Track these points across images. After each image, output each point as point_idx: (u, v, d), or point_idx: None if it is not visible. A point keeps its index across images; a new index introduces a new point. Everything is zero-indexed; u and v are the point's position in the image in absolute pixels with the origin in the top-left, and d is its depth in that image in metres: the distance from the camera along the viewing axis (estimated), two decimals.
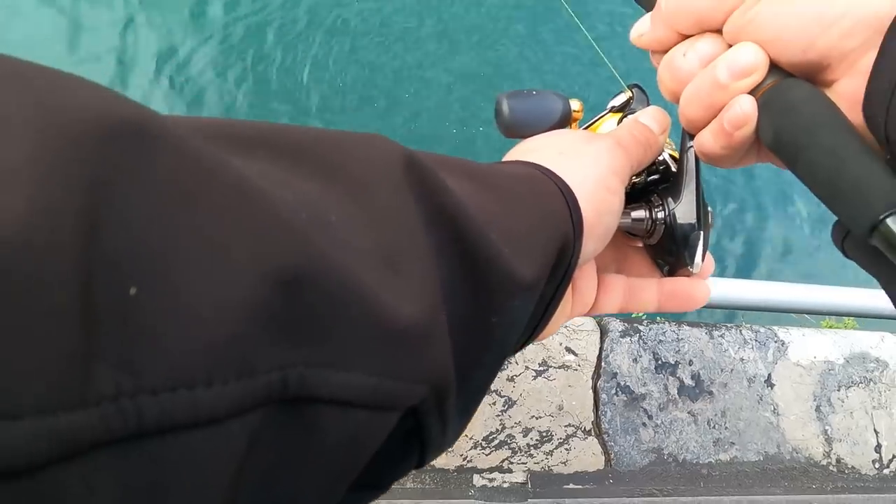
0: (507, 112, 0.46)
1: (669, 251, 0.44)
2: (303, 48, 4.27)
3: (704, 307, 1.56)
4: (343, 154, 0.26)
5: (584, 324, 1.44)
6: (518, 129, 0.46)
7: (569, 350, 1.42)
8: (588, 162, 0.40)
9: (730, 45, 0.37)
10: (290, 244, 0.20)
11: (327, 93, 4.22)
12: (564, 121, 0.47)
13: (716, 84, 0.36)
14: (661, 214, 0.44)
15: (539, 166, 0.39)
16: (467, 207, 0.29)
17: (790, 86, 0.35)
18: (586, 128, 0.50)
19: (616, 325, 1.47)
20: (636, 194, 0.46)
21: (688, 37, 0.39)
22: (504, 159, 0.43)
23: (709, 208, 0.43)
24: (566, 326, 1.42)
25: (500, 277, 0.30)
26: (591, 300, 0.45)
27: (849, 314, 1.84)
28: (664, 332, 1.50)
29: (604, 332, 1.46)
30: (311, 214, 0.22)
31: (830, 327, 2.29)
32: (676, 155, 0.45)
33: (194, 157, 0.19)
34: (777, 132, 0.34)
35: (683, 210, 0.43)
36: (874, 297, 1.56)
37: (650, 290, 0.46)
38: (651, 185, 0.46)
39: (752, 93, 0.36)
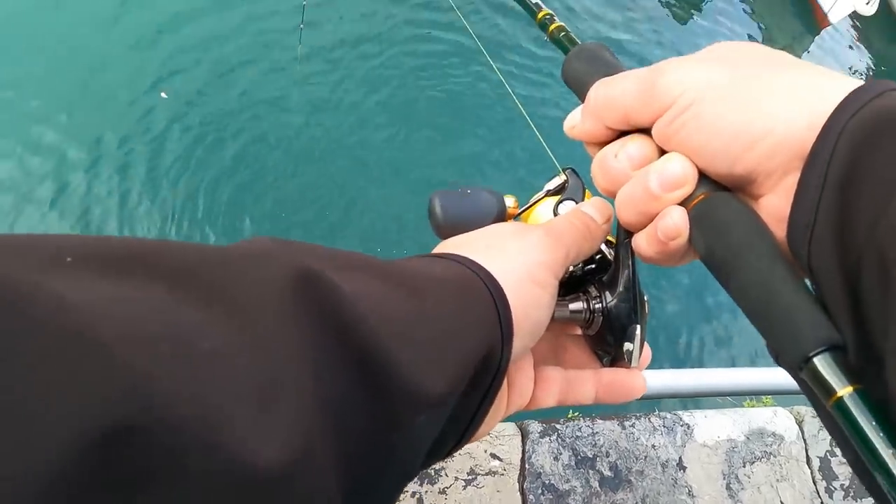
0: (439, 213, 0.45)
1: (609, 343, 0.44)
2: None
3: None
4: (227, 276, 0.25)
5: (506, 429, 1.53)
6: (452, 231, 0.45)
7: (494, 456, 1.50)
8: (515, 255, 0.40)
9: (661, 149, 0.37)
10: (120, 392, 0.19)
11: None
12: (499, 219, 0.47)
13: (648, 193, 0.36)
14: (598, 306, 0.44)
15: (467, 260, 0.38)
16: (370, 320, 0.28)
17: (720, 202, 0.35)
18: (524, 211, 0.50)
19: (535, 427, 1.57)
20: (574, 284, 0.46)
21: (619, 131, 0.39)
22: (434, 251, 0.42)
23: (645, 298, 0.43)
24: (489, 434, 1.50)
25: (404, 393, 0.29)
26: (528, 395, 0.44)
27: (766, 393, 2.01)
28: (580, 428, 1.61)
29: (524, 435, 1.55)
30: (176, 346, 0.21)
31: (752, 406, 2.46)
32: (613, 245, 0.45)
33: (23, 301, 0.18)
34: (708, 249, 0.35)
35: (620, 302, 0.43)
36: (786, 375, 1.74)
37: (588, 382, 0.45)
38: (588, 274, 0.46)
39: (684, 203, 0.36)
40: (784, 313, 0.30)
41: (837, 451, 1.90)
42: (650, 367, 1.58)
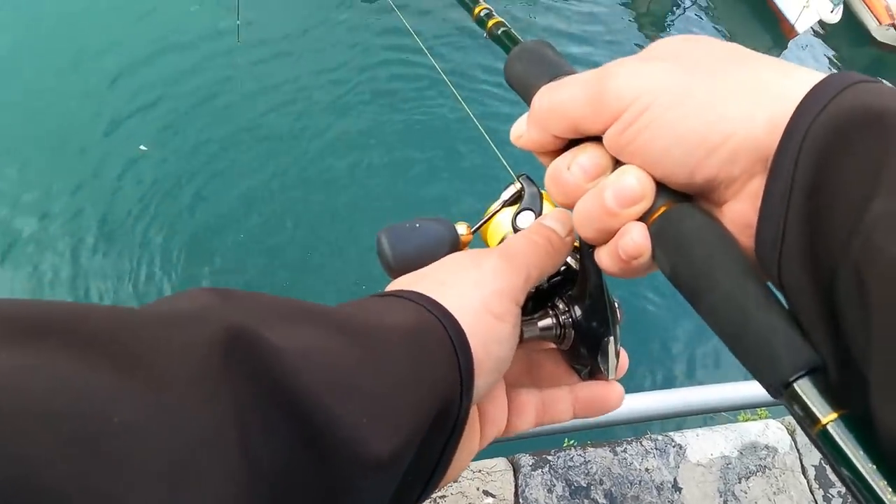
0: (388, 251, 0.42)
1: (583, 356, 0.42)
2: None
3: (617, 425, 1.65)
4: (146, 341, 0.24)
5: (497, 464, 1.51)
6: (404, 269, 0.42)
7: (486, 493, 1.47)
8: (470, 288, 0.38)
9: (614, 158, 0.35)
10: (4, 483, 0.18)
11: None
12: (453, 249, 0.44)
13: (605, 210, 0.34)
14: (569, 320, 0.42)
15: (422, 297, 0.36)
16: (305, 375, 0.27)
17: (681, 215, 0.33)
18: (480, 225, 0.48)
19: (527, 460, 1.55)
20: (541, 299, 0.44)
21: (569, 140, 0.37)
22: (388, 288, 0.40)
23: (616, 304, 0.41)
24: (479, 470, 1.49)
25: (348, 457, 0.28)
26: (502, 424, 0.42)
27: (759, 405, 2.01)
28: (572, 458, 1.59)
29: (516, 469, 1.53)
30: (82, 424, 0.20)
31: (747, 420, 2.46)
32: (577, 254, 0.43)
33: None
34: (673, 268, 0.33)
35: (590, 314, 0.41)
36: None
37: (564, 400, 0.43)
38: (554, 287, 0.44)
39: (644, 217, 0.34)
40: (758, 337, 0.29)
41: None
42: (638, 390, 1.56)
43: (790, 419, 1.95)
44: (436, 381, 0.33)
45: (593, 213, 0.35)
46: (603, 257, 0.36)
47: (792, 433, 1.90)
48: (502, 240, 0.46)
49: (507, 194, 0.47)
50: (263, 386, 0.26)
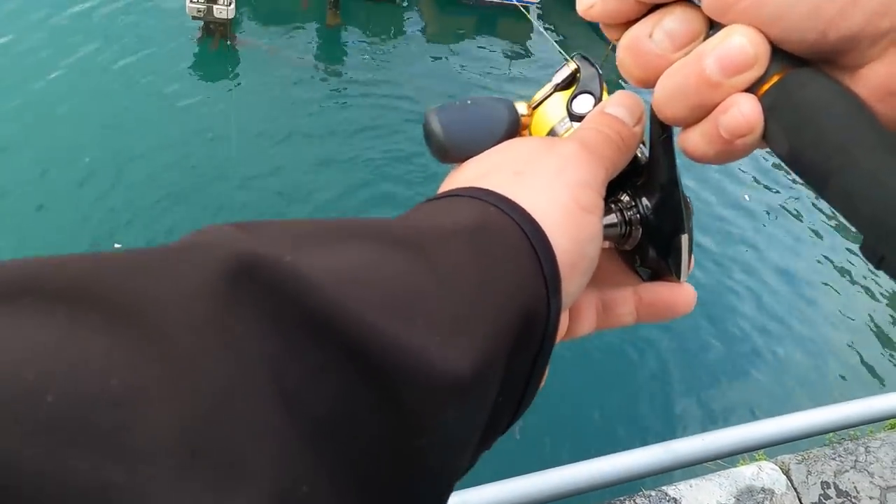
0: (439, 131, 0.37)
1: (649, 257, 0.38)
2: None
3: (610, 486, 1.62)
4: (136, 287, 0.19)
5: None
6: (457, 152, 0.37)
7: None
8: (553, 179, 0.32)
9: (710, 20, 0.30)
10: None
11: None
12: (513, 131, 0.39)
13: (703, 81, 0.29)
14: (636, 216, 0.37)
15: (492, 196, 0.31)
16: (356, 304, 0.22)
17: (803, 81, 0.28)
18: (537, 106, 0.42)
19: None
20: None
21: (652, 4, 0.31)
22: (447, 187, 0.34)
23: (689, 200, 0.36)
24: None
25: (420, 386, 0.23)
26: (563, 328, 0.37)
27: (755, 448, 1.99)
28: None
29: None
30: (62, 397, 0.16)
31: (746, 465, 2.42)
32: (646, 141, 0.38)
33: None
34: (793, 146, 0.28)
35: (661, 209, 0.36)
36: (768, 426, 1.72)
37: (626, 302, 0.38)
38: (618, 180, 0.38)
39: (752, 89, 0.29)
40: None
41: (831, 492, 1.87)
42: (628, 447, 1.55)
43: (783, 458, 1.93)
44: (514, 286, 0.28)
45: (687, 86, 0.29)
46: (693, 139, 0.31)
47: (787, 472, 1.88)
48: (552, 129, 0.40)
49: (559, 77, 0.40)
50: (291, 318, 0.21)
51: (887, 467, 1.92)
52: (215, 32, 7.44)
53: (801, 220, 7.53)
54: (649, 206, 0.37)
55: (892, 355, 6.24)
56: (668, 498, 1.71)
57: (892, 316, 6.66)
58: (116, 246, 4.31)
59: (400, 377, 0.22)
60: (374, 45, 8.56)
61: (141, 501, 0.16)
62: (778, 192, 7.76)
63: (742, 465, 2.25)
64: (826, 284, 6.84)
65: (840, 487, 1.84)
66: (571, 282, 0.31)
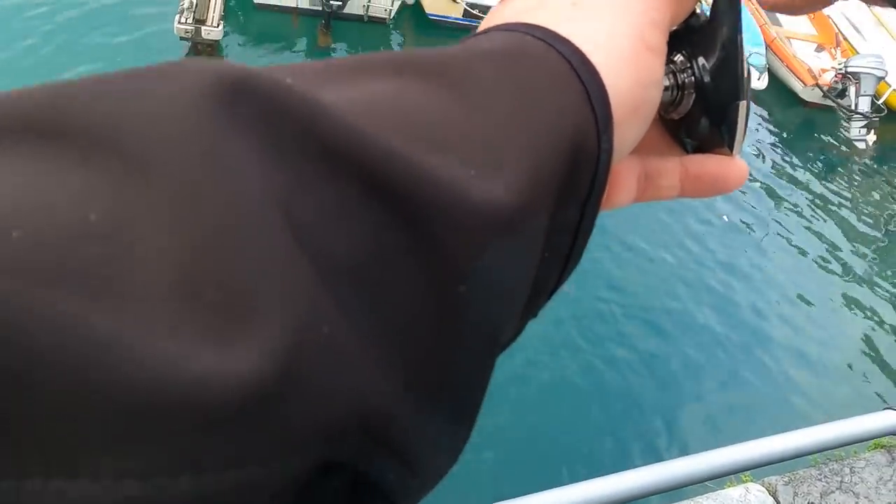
0: None
1: (699, 126, 0.35)
2: None
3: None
4: (110, 109, 0.16)
5: None
6: None
7: None
8: (616, 11, 0.29)
9: None
10: None
11: None
12: None
13: None
14: (690, 79, 0.34)
15: (539, 30, 0.27)
16: (377, 134, 0.19)
17: None
18: None
19: None
20: None
21: None
22: (490, 24, 0.30)
23: (748, 65, 0.34)
24: None
25: (456, 225, 0.20)
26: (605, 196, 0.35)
27: (742, 470, 1.99)
28: None
29: None
30: (33, 229, 0.14)
31: (733, 486, 2.42)
32: None
33: None
34: None
35: (720, 73, 0.34)
36: (759, 447, 1.72)
37: (672, 173, 0.35)
38: (673, 38, 0.35)
39: None
40: None
41: None
42: (614, 470, 1.53)
43: (769, 479, 1.94)
44: (558, 117, 0.25)
45: None
46: None
47: (773, 493, 1.88)
48: None
49: None
50: (305, 141, 0.18)
51: (872, 487, 1.93)
52: (202, 53, 7.46)
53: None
54: (706, 68, 0.34)
55: (870, 375, 6.29)
56: None
57: (869, 337, 6.73)
58: None
59: (434, 213, 0.20)
60: None
61: (131, 350, 0.14)
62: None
63: (729, 486, 2.25)
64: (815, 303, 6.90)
65: None
66: (630, 127, 0.28)
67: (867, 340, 6.64)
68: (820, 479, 1.94)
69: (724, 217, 7.47)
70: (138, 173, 0.15)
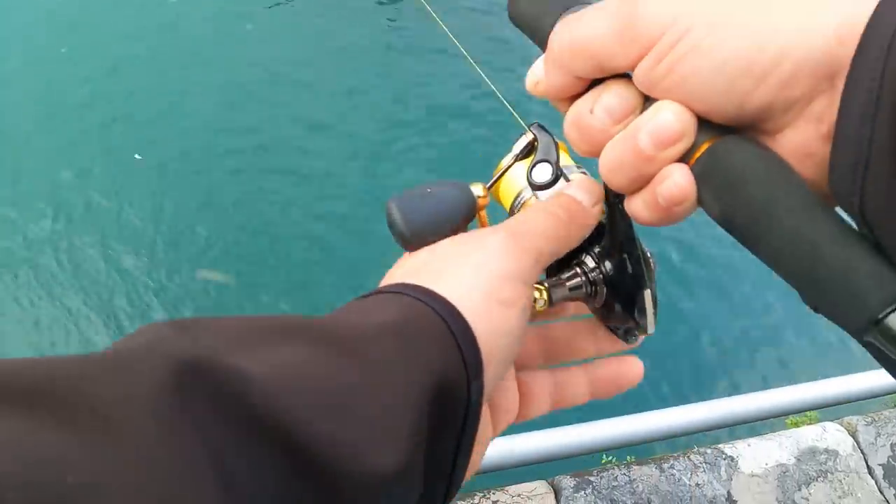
0: (401, 222, 0.39)
1: (618, 313, 0.40)
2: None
3: (661, 440, 1.61)
4: (88, 390, 0.21)
5: (536, 487, 1.49)
6: (420, 240, 0.39)
7: None
8: (472, 274, 0.34)
9: (644, 95, 0.31)
10: None
11: None
12: (470, 213, 0.41)
13: (639, 155, 0.30)
14: (599, 276, 0.40)
15: (418, 290, 0.33)
16: (288, 403, 0.25)
17: (729, 149, 0.29)
18: (492, 184, 0.44)
19: (568, 482, 1.53)
20: (566, 257, 0.41)
21: (592, 81, 0.33)
22: (384, 282, 0.37)
23: (649, 254, 0.38)
24: (518, 494, 1.47)
25: (353, 480, 0.25)
26: (514, 411, 0.39)
27: (810, 408, 1.93)
28: (616, 478, 1.56)
29: (557, 492, 1.51)
30: (28, 491, 0.18)
31: (796, 425, 2.35)
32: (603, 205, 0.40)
33: None
34: (724, 211, 0.29)
35: (622, 268, 0.38)
36: (828, 386, 1.66)
37: (579, 381, 0.40)
38: (585, 245, 0.41)
39: (684, 158, 0.30)
40: (836, 274, 0.26)
41: None
42: (680, 403, 1.51)
43: (849, 419, 1.86)
44: (431, 368, 0.29)
45: (625, 159, 0.31)
46: (637, 206, 0.32)
47: (853, 434, 1.81)
48: (517, 197, 0.43)
49: (518, 147, 0.43)
50: (234, 416, 0.23)
51: None
52: None
53: None
54: (611, 267, 0.39)
55: None
56: (724, 456, 1.67)
57: None
58: (137, 157, 3.86)
59: (335, 471, 0.25)
60: None
61: None
62: None
63: (799, 424, 2.18)
64: None
65: None
66: (487, 371, 0.32)
67: None
68: None
69: None
70: (110, 446, 0.20)
